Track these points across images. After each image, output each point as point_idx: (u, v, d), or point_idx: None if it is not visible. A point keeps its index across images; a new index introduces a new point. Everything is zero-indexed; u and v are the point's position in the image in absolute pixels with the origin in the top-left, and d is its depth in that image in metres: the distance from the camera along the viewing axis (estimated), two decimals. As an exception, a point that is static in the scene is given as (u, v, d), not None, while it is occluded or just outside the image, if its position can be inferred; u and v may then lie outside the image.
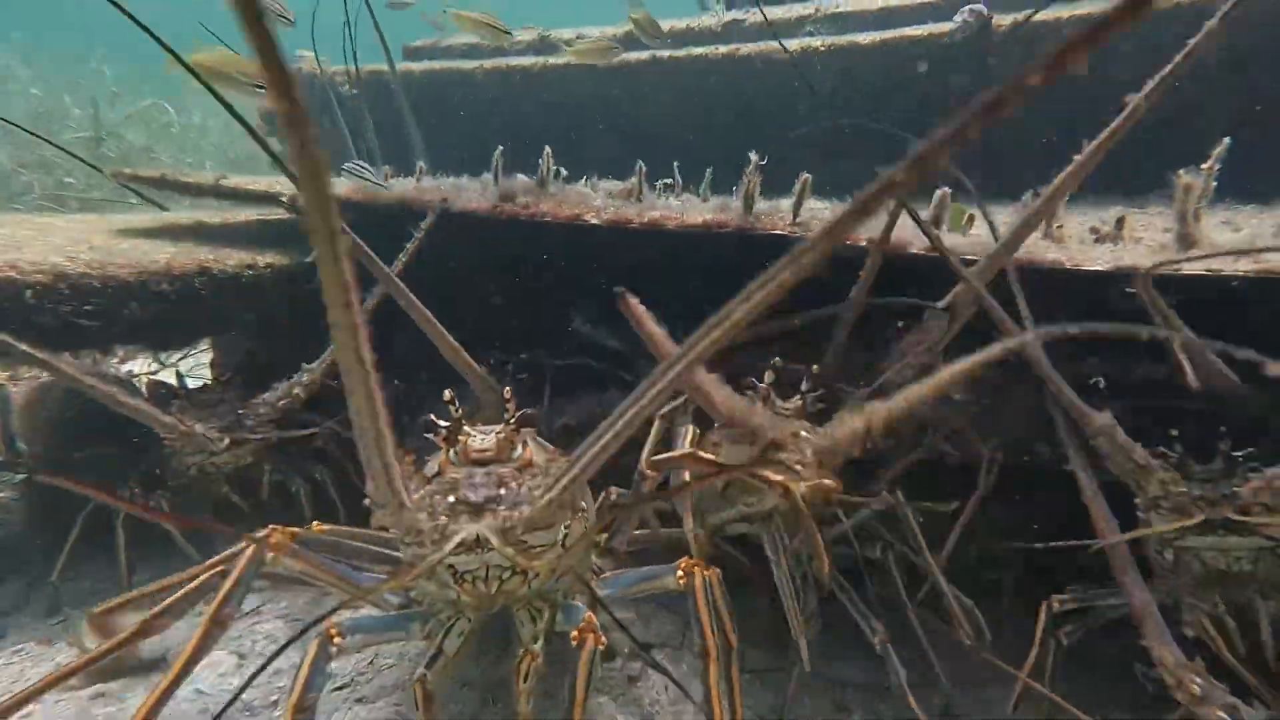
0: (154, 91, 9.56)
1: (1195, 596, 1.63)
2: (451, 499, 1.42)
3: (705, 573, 1.67)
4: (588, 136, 4.62)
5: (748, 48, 4.30)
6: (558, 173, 2.62)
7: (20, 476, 3.00)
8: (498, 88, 4.94)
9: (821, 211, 2.16)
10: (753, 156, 2.13)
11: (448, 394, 1.63)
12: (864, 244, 1.93)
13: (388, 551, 1.75)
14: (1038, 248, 2.03)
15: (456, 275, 2.85)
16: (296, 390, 2.55)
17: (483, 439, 1.57)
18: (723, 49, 4.33)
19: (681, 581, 1.67)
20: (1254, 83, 3.23)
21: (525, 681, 1.51)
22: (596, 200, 2.46)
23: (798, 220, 2.11)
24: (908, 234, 2.00)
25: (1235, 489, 1.54)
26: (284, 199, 2.77)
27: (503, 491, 1.43)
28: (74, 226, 3.16)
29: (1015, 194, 2.36)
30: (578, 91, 4.68)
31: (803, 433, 1.43)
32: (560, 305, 3.00)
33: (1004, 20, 3.64)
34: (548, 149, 2.65)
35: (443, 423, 1.60)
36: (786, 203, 2.18)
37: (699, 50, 4.40)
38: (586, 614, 1.59)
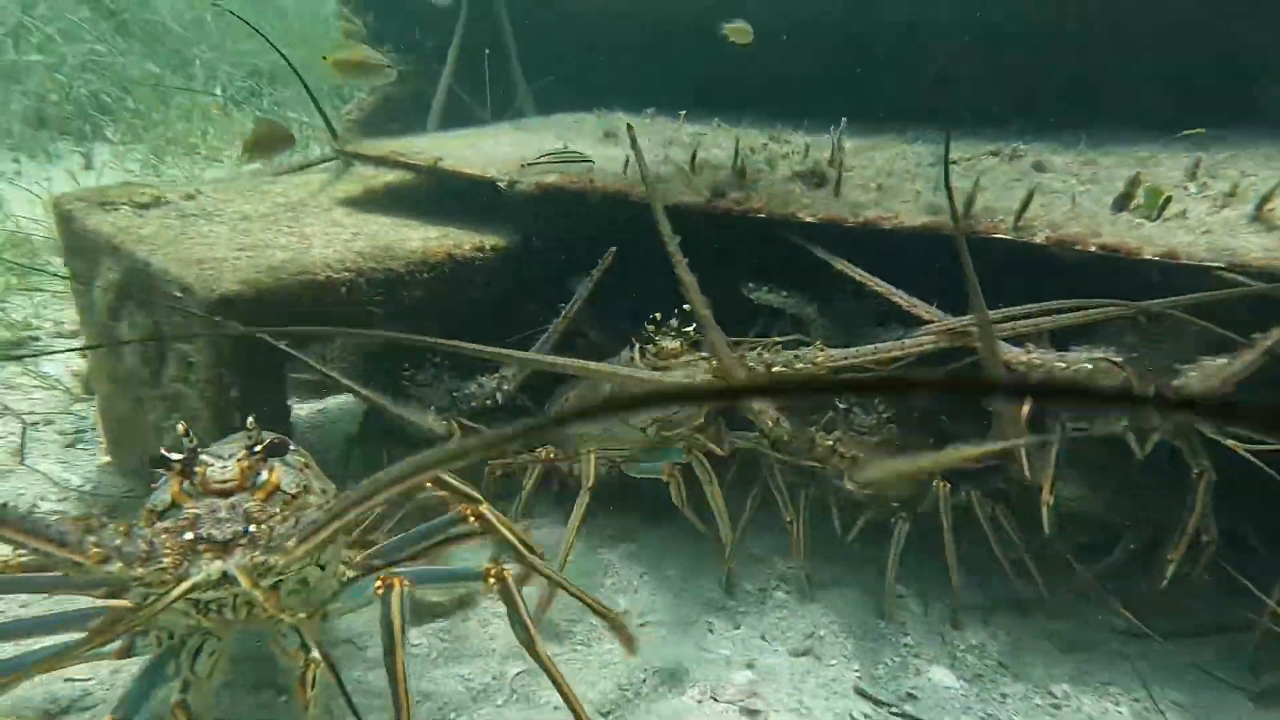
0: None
1: None
2: (190, 536, 1.35)
3: (509, 574, 1.67)
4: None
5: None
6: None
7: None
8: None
9: (1042, 215, 2.19)
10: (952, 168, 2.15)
11: (181, 426, 1.56)
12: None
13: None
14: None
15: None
16: (506, 386, 2.65)
17: (223, 467, 1.47)
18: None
19: (495, 587, 1.65)
20: None
21: (313, 689, 1.43)
22: (799, 191, 2.53)
23: (1020, 225, 2.15)
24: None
25: None
26: (501, 184, 2.84)
27: (251, 528, 1.37)
28: (294, 192, 3.19)
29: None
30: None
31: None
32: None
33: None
34: (737, 139, 2.70)
35: (174, 455, 1.47)
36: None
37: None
38: (378, 578, 1.59)
